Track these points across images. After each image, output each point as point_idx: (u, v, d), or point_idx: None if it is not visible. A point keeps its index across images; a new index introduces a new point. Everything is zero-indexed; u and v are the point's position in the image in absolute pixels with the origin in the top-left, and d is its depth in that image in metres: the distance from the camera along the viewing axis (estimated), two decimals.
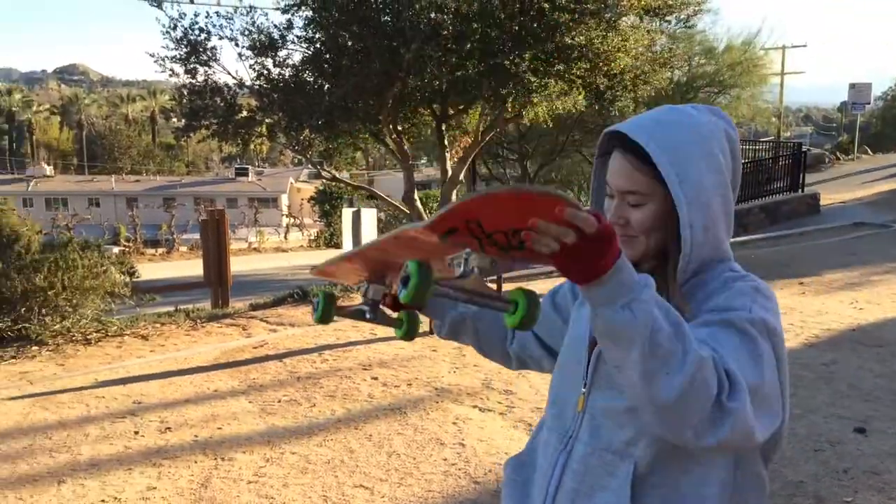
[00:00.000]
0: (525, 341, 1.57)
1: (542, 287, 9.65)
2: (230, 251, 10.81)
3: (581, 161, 25.58)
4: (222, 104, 9.36)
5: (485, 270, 1.09)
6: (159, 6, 8.87)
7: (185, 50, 9.11)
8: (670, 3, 9.35)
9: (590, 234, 0.95)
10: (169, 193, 48.19)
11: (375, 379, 5.73)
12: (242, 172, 55.49)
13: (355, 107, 8.98)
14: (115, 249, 20.90)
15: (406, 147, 10.32)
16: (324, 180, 21.32)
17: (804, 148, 18.49)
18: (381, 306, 1.30)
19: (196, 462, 4.26)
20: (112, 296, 7.56)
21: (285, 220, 36.48)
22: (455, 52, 8.51)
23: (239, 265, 15.08)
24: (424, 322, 6.36)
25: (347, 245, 11.47)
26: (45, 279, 6.99)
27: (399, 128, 9.95)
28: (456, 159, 10.65)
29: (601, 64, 8.62)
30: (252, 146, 10.83)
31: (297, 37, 9.12)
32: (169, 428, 4.80)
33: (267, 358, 6.43)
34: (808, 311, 7.29)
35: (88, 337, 7.19)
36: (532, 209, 0.94)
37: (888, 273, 9.18)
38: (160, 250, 28.64)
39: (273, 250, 30.30)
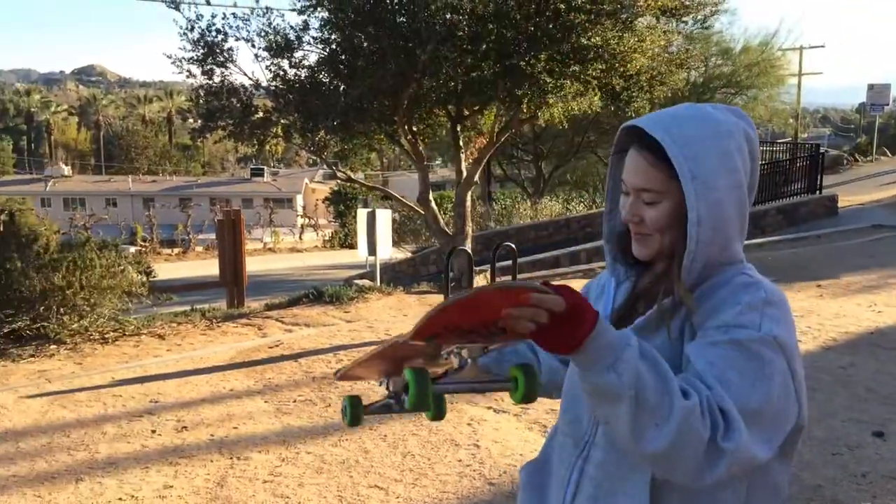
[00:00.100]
0: (554, 368, 1.50)
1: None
2: (246, 251, 10.87)
3: (596, 162, 25.53)
4: (238, 105, 9.40)
5: (476, 359, 1.17)
6: (177, 8, 8.91)
7: (201, 51, 9.16)
8: (687, 3, 9.30)
9: (560, 312, 1.01)
10: (185, 194, 48.54)
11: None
12: (258, 173, 55.77)
13: (370, 107, 9.00)
14: (132, 249, 21.10)
15: (421, 148, 10.33)
16: (339, 181, 21.36)
17: (822, 149, 18.34)
18: (403, 397, 1.32)
19: (212, 461, 4.28)
20: (129, 295, 7.63)
21: (300, 221, 36.66)
22: (470, 53, 8.51)
23: (254, 265, 15.18)
24: None
25: (362, 245, 11.51)
26: (63, 278, 7.06)
27: (414, 129, 9.96)
28: (471, 160, 10.65)
29: (617, 65, 8.59)
30: (267, 147, 10.87)
31: (313, 38, 9.14)
32: (185, 427, 4.83)
33: (282, 358, 6.46)
34: (826, 313, 7.23)
35: (106, 336, 7.25)
36: (501, 302, 1.01)
37: None
38: (176, 250, 28.86)
39: (288, 250, 30.45)
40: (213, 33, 9.07)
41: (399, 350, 1.16)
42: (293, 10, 8.99)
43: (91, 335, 7.21)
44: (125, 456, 4.38)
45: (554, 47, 8.31)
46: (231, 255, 10.37)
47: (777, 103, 25.65)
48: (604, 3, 8.24)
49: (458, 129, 10.05)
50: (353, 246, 24.91)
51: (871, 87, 30.55)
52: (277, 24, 9.02)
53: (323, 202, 38.48)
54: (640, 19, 8.90)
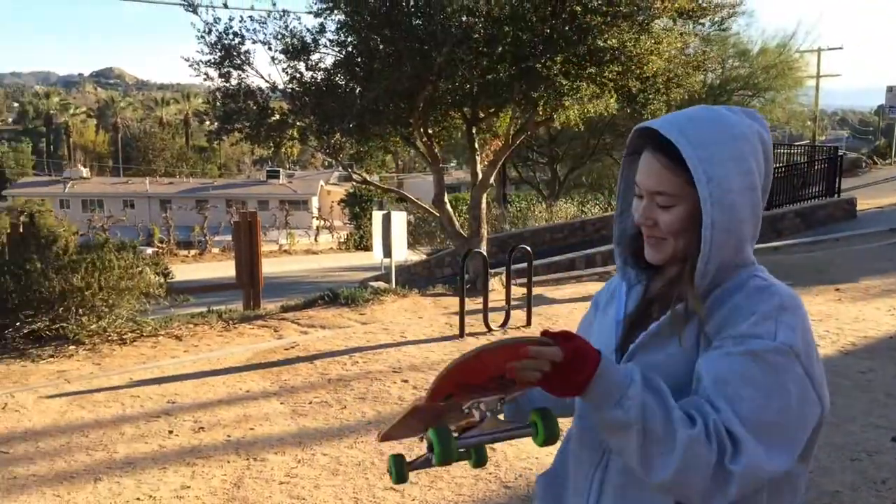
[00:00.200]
0: None
1: (569, 290, 9.59)
2: (262, 253, 10.92)
3: (612, 164, 25.44)
4: (255, 107, 9.45)
5: (495, 410, 1.25)
6: (194, 11, 8.98)
7: (219, 54, 9.22)
8: (704, 5, 9.25)
9: (561, 361, 1.09)
10: (201, 195, 48.83)
11: (405, 382, 5.75)
12: (274, 175, 56.01)
13: (386, 110, 9.02)
14: (149, 250, 21.26)
15: (436, 150, 10.35)
16: (354, 183, 21.44)
17: (840, 152, 18.18)
18: (430, 454, 1.36)
19: (229, 462, 4.30)
20: (147, 296, 7.67)
21: (315, 223, 36.78)
22: (486, 56, 8.52)
23: (270, 267, 15.24)
24: (454, 325, 6.32)
25: (377, 247, 11.54)
26: (82, 279, 7.12)
27: (429, 131, 9.98)
28: (486, 163, 10.65)
29: (633, 67, 8.56)
30: (283, 149, 10.92)
31: (330, 40, 9.19)
32: (202, 428, 4.86)
33: (298, 359, 6.48)
34: (845, 318, 7.17)
35: (124, 337, 7.31)
36: (503, 358, 1.10)
37: None
38: (193, 251, 29.04)
39: (303, 252, 30.57)
40: (231, 36, 9.14)
41: (423, 411, 1.23)
42: (310, 12, 9.05)
43: (109, 336, 7.27)
44: (143, 456, 4.41)
45: (570, 49, 8.30)
46: (247, 256, 10.41)
47: (795, 105, 25.44)
48: (620, 5, 8.22)
49: (474, 131, 10.06)
50: (368, 248, 24.98)
51: (890, 89, 30.28)
52: (294, 27, 9.09)
53: (338, 204, 38.61)
54: (656, 21, 8.87)
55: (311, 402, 5.33)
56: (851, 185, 20.51)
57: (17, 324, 6.94)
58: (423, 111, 9.26)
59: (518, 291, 8.66)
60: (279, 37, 9.08)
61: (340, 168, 12.67)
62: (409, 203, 12.59)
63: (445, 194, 10.41)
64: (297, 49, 9.09)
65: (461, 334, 7.13)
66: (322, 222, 36.86)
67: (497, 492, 3.86)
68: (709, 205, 1.18)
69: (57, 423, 5.02)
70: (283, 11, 9.03)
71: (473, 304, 8.23)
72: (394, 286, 10.22)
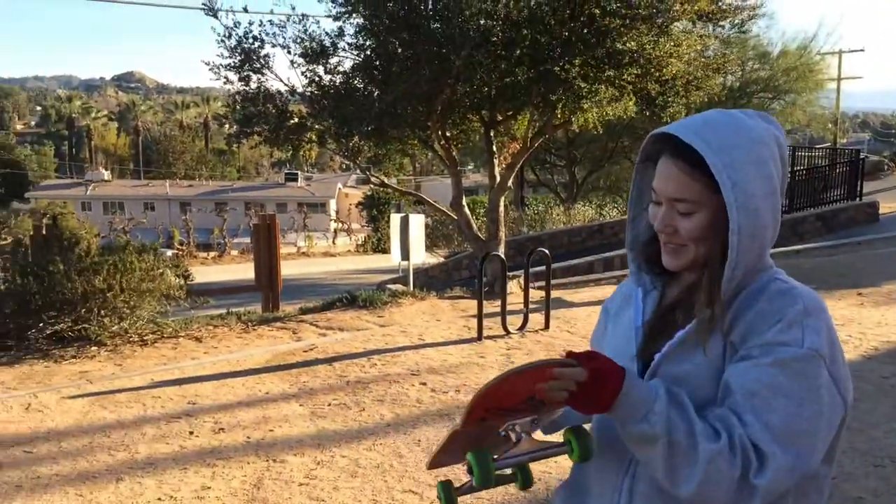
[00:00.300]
0: None
1: (587, 294, 9.55)
2: (280, 256, 10.99)
3: (630, 167, 25.30)
4: (274, 111, 9.52)
5: (529, 431, 1.29)
6: (215, 15, 9.06)
7: (239, 58, 9.29)
8: (724, 7, 9.21)
9: (588, 380, 1.14)
10: (221, 198, 49.17)
11: (424, 384, 5.76)
12: (292, 178, 56.26)
13: (404, 113, 9.05)
14: (169, 252, 21.43)
15: (454, 153, 10.36)
16: (372, 186, 21.49)
17: (862, 155, 17.98)
18: (470, 477, 1.41)
19: (249, 463, 4.33)
20: (167, 298, 7.75)
21: (333, 225, 36.90)
22: (504, 59, 8.53)
23: (288, 269, 15.32)
24: (472, 328, 6.30)
25: (395, 250, 11.57)
26: (104, 281, 7.21)
27: (447, 134, 9.99)
28: (504, 165, 10.65)
29: (653, 69, 8.53)
30: (301, 152, 10.98)
31: (348, 44, 9.23)
32: (222, 429, 4.90)
33: (317, 361, 6.51)
34: (867, 322, 7.09)
35: (145, 338, 7.37)
36: (531, 380, 1.15)
37: None
38: (212, 254, 29.24)
39: (321, 255, 30.68)
40: (250, 40, 9.21)
41: (462, 436, 1.27)
42: (329, 16, 9.10)
43: (130, 337, 7.34)
44: (164, 456, 4.45)
45: (588, 52, 8.29)
46: (266, 259, 10.48)
47: (815, 108, 25.21)
48: (639, 8, 8.19)
49: (492, 134, 10.06)
50: (385, 251, 25.04)
51: None
52: (313, 31, 9.14)
53: (356, 207, 38.74)
54: (675, 24, 8.83)
55: (329, 404, 5.36)
56: (873, 189, 20.28)
57: (41, 325, 7.03)
58: (441, 114, 9.28)
59: (536, 295, 8.64)
60: (298, 40, 9.14)
61: (358, 171, 12.73)
62: (427, 206, 12.60)
63: (463, 197, 10.42)
64: (316, 53, 9.15)
65: (479, 337, 7.13)
66: (340, 225, 36.98)
67: (515, 495, 3.85)
68: (734, 210, 1.17)
69: (79, 423, 5.08)
70: (303, 15, 9.09)
71: (491, 307, 8.22)
72: (412, 289, 10.23)
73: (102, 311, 7.29)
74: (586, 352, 1.18)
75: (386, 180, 12.07)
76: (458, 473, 1.62)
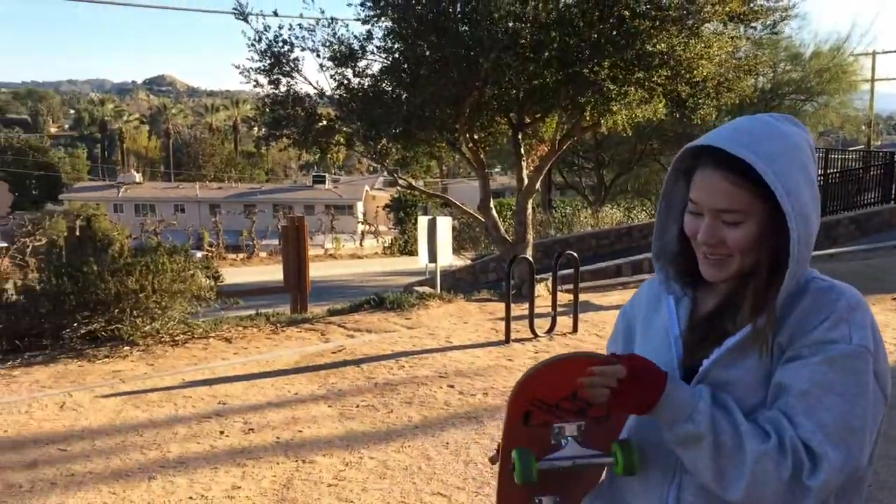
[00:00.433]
0: None
1: (610, 298, 9.49)
2: (309, 257, 11.06)
3: (659, 170, 25.13)
4: (303, 114, 9.59)
5: (577, 437, 1.30)
6: (245, 20, 9.15)
7: (269, 61, 9.38)
8: (756, 8, 9.10)
9: (627, 377, 1.15)
10: (249, 200, 49.64)
11: (452, 387, 5.76)
12: (320, 180, 56.65)
13: (432, 116, 9.06)
14: (199, 254, 21.68)
15: (482, 156, 10.35)
16: (399, 188, 21.56)
17: None
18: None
19: (278, 463, 4.37)
20: (198, 299, 7.84)
21: (360, 227, 37.05)
22: (533, 61, 8.50)
23: (315, 271, 15.41)
24: (500, 330, 6.33)
25: (423, 252, 11.58)
26: (136, 282, 7.30)
27: (475, 136, 9.99)
28: (532, 168, 10.62)
29: (683, 71, 8.46)
30: (329, 154, 11.05)
31: (377, 47, 9.27)
32: (252, 429, 4.94)
33: (345, 363, 6.54)
34: None
35: (176, 338, 7.46)
36: (574, 370, 1.17)
37: None
38: (241, 255, 29.51)
39: (348, 257, 30.83)
40: (280, 44, 9.29)
41: (516, 434, 1.31)
42: (357, 19, 9.14)
43: (162, 337, 7.43)
44: (195, 456, 4.50)
45: (618, 54, 8.24)
46: (295, 261, 10.56)
47: (849, 110, 24.79)
48: (669, 9, 8.13)
49: (520, 136, 10.04)
50: (412, 253, 25.09)
51: None
52: (342, 35, 9.20)
53: (383, 209, 38.89)
54: (706, 25, 8.74)
55: (358, 406, 5.38)
56: None
57: (75, 324, 7.14)
58: (469, 117, 9.28)
59: (564, 298, 8.61)
60: (327, 44, 9.20)
61: (385, 173, 12.77)
62: (454, 208, 12.60)
63: (491, 199, 10.41)
64: (345, 56, 9.20)
65: (507, 340, 7.12)
66: (367, 227, 37.14)
67: None
68: (793, 219, 1.17)
69: (112, 422, 5.15)
70: (332, 19, 9.15)
71: (519, 309, 8.20)
72: (439, 291, 10.24)
73: (135, 312, 7.39)
74: (628, 354, 1.20)
75: (413, 182, 12.10)
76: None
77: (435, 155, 11.67)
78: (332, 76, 9.41)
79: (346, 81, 9.41)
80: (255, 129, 10.93)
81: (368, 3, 8.87)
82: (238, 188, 57.30)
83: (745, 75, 9.69)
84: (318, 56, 9.31)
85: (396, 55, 9.23)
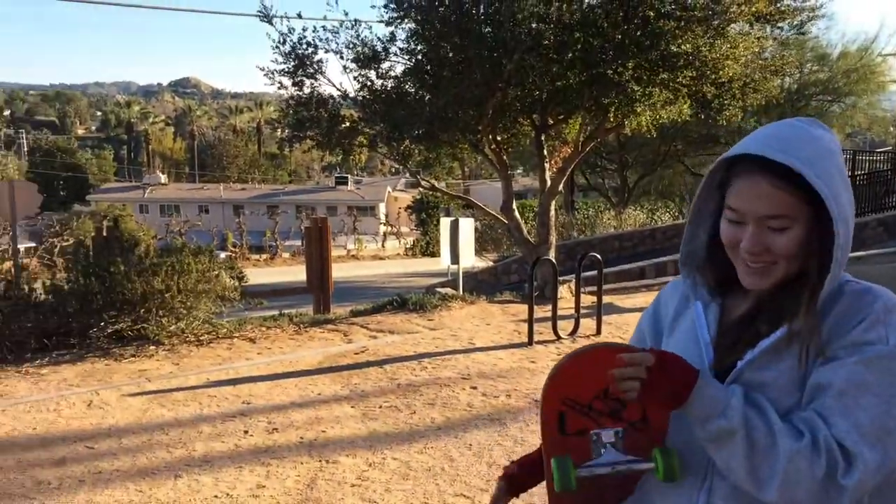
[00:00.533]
0: None
1: (638, 300, 9.43)
2: (332, 258, 11.11)
3: (683, 171, 24.95)
4: (326, 115, 9.63)
5: (615, 444, 1.29)
6: (270, 22, 9.22)
7: (293, 63, 9.43)
8: (783, 8, 9.00)
9: (655, 365, 1.15)
10: (272, 201, 49.92)
11: (475, 389, 5.76)
12: (342, 181, 56.89)
13: (455, 117, 9.06)
14: (223, 254, 21.87)
15: (504, 157, 10.34)
16: (421, 189, 21.57)
17: None
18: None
19: (302, 463, 4.39)
20: (223, 299, 7.90)
21: (382, 229, 37.13)
22: (556, 62, 8.48)
23: (338, 272, 15.48)
24: (522, 332, 6.31)
25: (445, 254, 11.59)
26: (162, 282, 7.38)
27: (498, 138, 9.98)
28: (555, 169, 10.59)
29: (708, 72, 8.38)
30: (352, 156, 11.09)
31: (400, 49, 9.29)
32: (276, 429, 4.97)
33: (368, 364, 6.56)
34: None
35: (201, 338, 7.53)
36: (600, 363, 1.17)
37: None
38: (264, 256, 29.70)
39: (370, 258, 30.92)
40: (304, 46, 9.34)
41: (554, 444, 1.31)
42: (381, 21, 9.18)
43: (187, 337, 7.50)
44: (220, 455, 4.54)
45: (642, 55, 8.19)
46: (318, 261, 10.61)
47: (877, 111, 24.44)
48: (695, 10, 8.07)
49: (543, 138, 10.02)
50: (434, 254, 25.11)
51: None
52: (365, 36, 9.22)
53: (405, 210, 38.95)
54: (732, 25, 8.66)
55: (380, 407, 5.39)
56: None
57: (102, 324, 7.23)
58: (492, 118, 9.27)
59: (587, 300, 8.57)
60: (351, 46, 9.23)
61: (408, 175, 12.80)
62: (476, 209, 12.60)
63: (514, 201, 10.39)
64: (368, 57, 9.23)
65: (530, 342, 7.10)
66: (389, 228, 37.22)
67: None
68: (838, 224, 1.16)
69: (139, 420, 5.21)
70: (355, 21, 9.18)
71: (542, 311, 8.18)
72: (461, 292, 10.24)
73: (160, 312, 7.47)
74: (654, 348, 1.21)
75: (435, 184, 12.11)
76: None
77: (457, 156, 11.67)
78: (355, 78, 9.45)
79: (369, 83, 9.44)
80: (279, 130, 11.00)
81: (392, 5, 8.90)
82: (261, 189, 57.68)
83: (772, 76, 9.59)
84: (342, 58, 9.35)
85: (419, 57, 9.25)
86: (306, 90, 9.65)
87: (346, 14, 9.24)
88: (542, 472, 1.37)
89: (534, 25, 8.18)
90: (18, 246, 10.10)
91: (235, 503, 3.88)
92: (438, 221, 15.65)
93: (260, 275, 18.55)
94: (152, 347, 7.20)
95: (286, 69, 9.47)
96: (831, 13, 31.94)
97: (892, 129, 28.41)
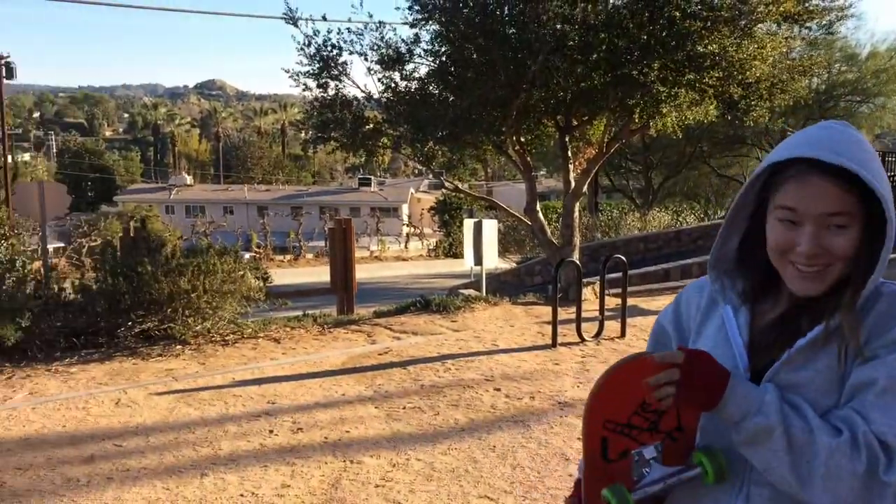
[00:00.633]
0: None
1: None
2: (355, 259, 11.15)
3: (709, 173, 24.73)
4: (350, 117, 9.67)
5: (657, 458, 1.28)
6: (295, 24, 9.27)
7: (317, 65, 9.48)
8: (811, 8, 8.89)
9: (685, 363, 1.14)
10: (296, 202, 50.25)
11: (498, 390, 5.75)
12: (365, 182, 57.13)
13: (479, 118, 9.06)
14: (247, 255, 22.04)
15: (528, 158, 10.32)
16: (444, 190, 21.59)
17: None
18: None
19: (326, 463, 4.41)
20: (248, 300, 7.96)
21: (405, 230, 37.22)
22: (581, 63, 8.44)
23: (361, 273, 15.55)
24: (546, 334, 6.29)
25: (469, 255, 11.59)
26: (188, 282, 7.46)
27: (522, 139, 9.96)
28: (579, 171, 10.54)
29: (735, 72, 8.30)
30: (375, 157, 11.12)
31: (424, 50, 9.31)
32: (301, 429, 5.00)
33: (391, 365, 6.58)
34: None
35: (226, 338, 7.60)
36: (634, 375, 1.16)
37: None
38: (288, 256, 29.90)
39: (393, 259, 31.00)
40: (329, 48, 9.38)
41: (599, 474, 1.28)
42: (405, 23, 9.19)
43: (213, 337, 7.57)
44: (245, 454, 4.57)
45: (668, 56, 8.13)
46: (342, 262, 10.66)
47: None
48: (721, 10, 7.99)
49: (567, 139, 9.98)
50: (457, 255, 25.11)
51: None
52: (389, 38, 9.26)
53: (428, 211, 39.00)
54: (759, 25, 8.57)
55: (404, 408, 5.40)
56: None
57: (129, 323, 7.33)
58: (516, 119, 9.25)
59: (611, 302, 8.52)
60: (375, 48, 9.27)
61: (430, 176, 12.81)
62: (499, 211, 12.58)
63: (537, 202, 10.36)
64: (393, 59, 9.26)
65: (553, 344, 7.08)
66: (412, 229, 37.30)
67: None
68: (893, 225, 1.15)
69: (165, 419, 5.27)
70: (380, 23, 9.21)
71: (565, 313, 8.15)
72: (484, 294, 10.23)
73: (187, 312, 7.54)
74: (682, 349, 1.20)
75: (459, 185, 12.11)
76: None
77: (481, 158, 11.66)
78: (379, 79, 9.48)
79: (393, 84, 9.47)
80: (303, 132, 11.05)
81: (416, 7, 8.91)
82: (285, 190, 58.06)
83: (800, 76, 9.47)
84: (366, 59, 9.39)
85: (443, 58, 9.26)
86: (331, 92, 9.70)
87: (371, 16, 9.27)
88: None
89: (558, 26, 8.15)
90: (47, 246, 10.26)
91: (261, 502, 3.91)
92: (461, 222, 15.65)
93: (284, 275, 18.68)
94: (179, 347, 7.27)
95: (311, 71, 9.52)
96: (860, 13, 31.56)
97: None
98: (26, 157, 72.04)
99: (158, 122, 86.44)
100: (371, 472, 4.27)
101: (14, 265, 8.23)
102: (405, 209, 51.55)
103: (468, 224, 11.86)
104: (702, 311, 1.39)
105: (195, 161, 79.52)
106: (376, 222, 35.58)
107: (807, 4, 8.82)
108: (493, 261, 12.21)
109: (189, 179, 61.12)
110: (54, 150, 77.50)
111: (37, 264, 10.17)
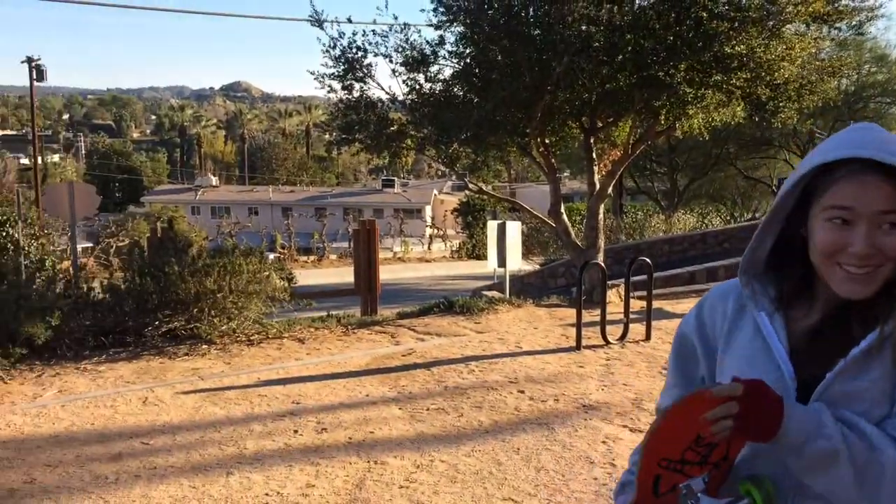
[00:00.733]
0: None
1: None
2: (379, 260, 11.18)
3: (735, 175, 24.49)
4: (374, 118, 9.71)
5: (705, 491, 1.24)
6: (320, 26, 9.33)
7: (342, 67, 9.54)
8: (840, 9, 8.78)
9: (743, 395, 1.09)
10: (320, 203, 50.55)
11: (522, 392, 5.73)
12: (389, 184, 57.30)
13: (503, 120, 9.06)
14: (272, 256, 22.20)
15: (553, 160, 10.29)
16: (467, 192, 21.59)
17: None
18: None
19: (350, 463, 4.43)
20: (273, 300, 8.02)
21: (429, 231, 37.28)
22: (606, 64, 8.41)
23: (384, 274, 15.59)
24: (570, 337, 6.26)
25: (492, 257, 11.58)
26: (214, 282, 7.53)
27: (546, 141, 9.93)
28: (604, 172, 10.49)
29: (763, 73, 8.21)
30: (399, 158, 11.15)
31: (449, 52, 9.32)
32: (325, 429, 5.02)
33: (415, 366, 6.59)
34: None
35: (251, 338, 7.66)
36: (694, 410, 1.11)
37: None
38: (312, 257, 30.07)
39: (416, 260, 31.05)
40: (354, 50, 9.43)
41: None
42: (430, 25, 9.22)
43: (238, 337, 7.63)
44: (270, 453, 4.60)
45: (694, 57, 8.07)
46: (365, 263, 10.69)
47: None
48: (749, 10, 7.92)
49: (592, 141, 9.94)
50: (480, 257, 25.09)
51: None
52: (414, 40, 9.28)
53: (451, 213, 39.02)
54: (788, 26, 8.48)
55: (428, 409, 5.41)
56: None
57: (156, 323, 7.41)
58: (541, 121, 9.23)
59: (635, 305, 8.47)
60: (400, 49, 9.29)
61: (454, 177, 12.83)
62: (523, 212, 12.55)
63: (562, 204, 10.33)
64: (417, 61, 9.28)
65: (578, 346, 7.05)
66: (435, 231, 37.35)
67: None
68: None
69: (192, 417, 5.32)
70: (404, 25, 9.24)
71: (590, 316, 8.11)
72: (508, 296, 10.21)
73: (213, 312, 7.61)
74: (740, 379, 1.15)
75: (483, 187, 12.10)
76: None
77: (505, 159, 11.65)
78: (404, 81, 9.51)
79: (417, 86, 9.49)
80: (327, 133, 11.10)
81: (441, 9, 8.93)
82: (309, 192, 58.40)
83: (829, 77, 9.35)
84: (391, 61, 9.42)
85: (468, 60, 9.26)
86: (355, 94, 9.74)
87: (396, 18, 9.31)
88: None
89: (584, 28, 8.12)
90: (76, 246, 10.40)
91: (286, 502, 3.94)
92: (484, 224, 15.63)
93: (308, 276, 18.77)
94: (205, 346, 7.34)
95: (336, 73, 9.57)
96: (890, 13, 31.17)
97: None
98: (56, 158, 73.24)
99: (185, 123, 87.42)
100: (395, 473, 4.28)
101: (44, 264, 8.36)
102: (428, 211, 51.62)
103: (492, 226, 11.85)
104: (729, 319, 1.33)
105: (221, 162, 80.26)
106: (400, 224, 35.67)
107: (836, 5, 8.71)
108: (517, 263, 12.18)
109: (215, 180, 61.68)
110: (83, 152, 78.67)
111: (66, 264, 10.32)
